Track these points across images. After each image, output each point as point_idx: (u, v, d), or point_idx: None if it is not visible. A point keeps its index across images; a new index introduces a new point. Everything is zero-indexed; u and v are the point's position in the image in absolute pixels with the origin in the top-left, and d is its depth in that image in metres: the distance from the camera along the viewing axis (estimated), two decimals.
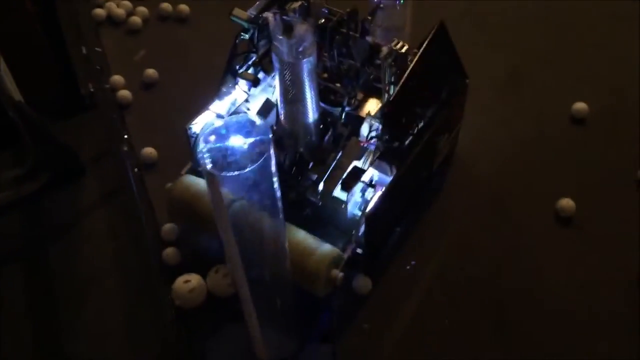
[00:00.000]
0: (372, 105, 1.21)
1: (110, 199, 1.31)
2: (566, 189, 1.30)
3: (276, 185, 0.82)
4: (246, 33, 1.18)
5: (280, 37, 1.00)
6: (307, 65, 1.03)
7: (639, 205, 1.29)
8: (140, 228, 1.22)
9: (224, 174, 0.74)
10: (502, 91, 1.51)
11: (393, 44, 1.11)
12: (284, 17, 1.01)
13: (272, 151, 0.77)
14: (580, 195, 1.28)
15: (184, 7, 1.69)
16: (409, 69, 1.09)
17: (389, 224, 1.22)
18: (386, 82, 1.12)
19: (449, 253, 1.23)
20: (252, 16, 1.16)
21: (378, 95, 1.20)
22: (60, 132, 1.30)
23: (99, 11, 1.67)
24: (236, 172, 0.74)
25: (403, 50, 1.10)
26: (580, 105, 1.44)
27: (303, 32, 1.00)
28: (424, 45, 1.11)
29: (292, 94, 1.08)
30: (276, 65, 1.05)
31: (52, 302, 1.20)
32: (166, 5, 1.69)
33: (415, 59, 1.10)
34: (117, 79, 1.50)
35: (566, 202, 1.27)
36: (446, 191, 1.32)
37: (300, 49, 1.00)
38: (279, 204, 0.85)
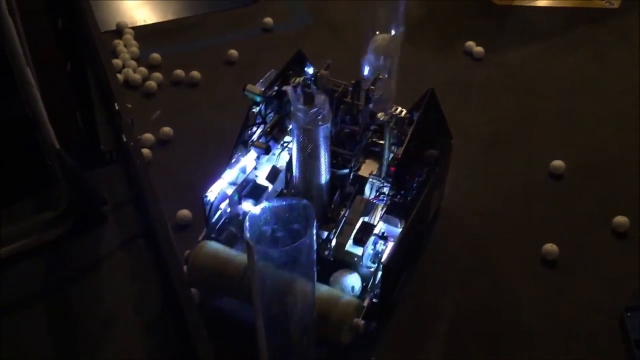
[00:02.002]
0: (370, 166, 1.31)
1: (132, 244, 1.40)
2: (548, 237, 1.43)
3: (314, 257, 0.91)
4: (257, 106, 1.29)
5: (301, 106, 1.11)
6: (323, 131, 1.14)
7: (615, 249, 1.43)
8: (161, 271, 1.31)
9: (265, 248, 0.84)
10: (485, 151, 1.66)
11: (392, 110, 1.26)
12: (305, 88, 1.14)
13: (313, 232, 0.86)
14: (562, 242, 1.41)
15: (195, 73, 1.83)
16: (411, 131, 1.24)
17: (398, 273, 1.31)
18: (388, 143, 1.26)
19: (445, 294, 1.34)
20: (263, 91, 1.29)
21: (374, 157, 1.32)
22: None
23: (117, 76, 1.80)
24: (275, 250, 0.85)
25: (402, 115, 1.27)
26: (557, 163, 1.60)
27: (322, 101, 1.12)
28: (421, 109, 1.26)
29: (308, 157, 1.18)
30: (295, 131, 1.15)
31: (72, 344, 1.26)
32: (179, 72, 1.83)
33: (415, 123, 1.24)
34: (147, 136, 1.63)
35: (550, 247, 1.40)
36: (434, 242, 1.44)
37: (319, 117, 1.12)
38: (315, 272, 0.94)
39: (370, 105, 1.29)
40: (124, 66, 1.84)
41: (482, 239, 1.46)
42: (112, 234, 1.43)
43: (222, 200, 1.29)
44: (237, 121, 1.70)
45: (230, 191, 1.29)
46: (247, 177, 1.31)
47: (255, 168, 1.33)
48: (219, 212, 1.30)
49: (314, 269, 0.96)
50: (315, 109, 1.11)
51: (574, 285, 1.36)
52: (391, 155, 1.27)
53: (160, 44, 1.95)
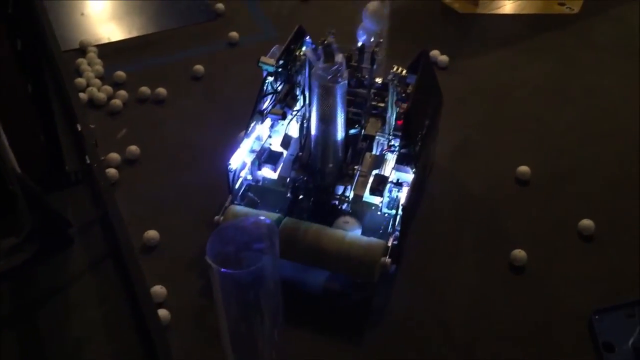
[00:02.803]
0: (374, 126, 1.44)
1: (99, 266, 1.38)
2: (516, 243, 1.44)
3: (278, 276, 0.95)
4: (271, 76, 1.41)
5: (322, 65, 1.24)
6: (341, 88, 1.27)
7: (581, 253, 1.45)
8: (129, 293, 1.29)
9: (223, 270, 0.86)
10: (452, 158, 1.67)
11: (394, 69, 1.38)
12: (326, 47, 1.25)
13: (270, 257, 0.90)
14: (530, 247, 1.43)
15: (161, 90, 1.82)
16: (416, 85, 1.37)
17: (411, 218, 1.44)
18: (392, 100, 1.38)
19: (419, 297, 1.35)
20: (275, 62, 1.39)
21: (376, 117, 1.45)
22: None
23: (81, 95, 1.78)
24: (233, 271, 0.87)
25: (404, 73, 1.38)
26: (523, 168, 1.61)
27: (341, 59, 1.25)
28: (421, 67, 1.39)
29: (327, 116, 1.30)
30: (315, 90, 1.27)
31: None
32: (145, 89, 1.82)
33: (417, 78, 1.38)
34: (113, 155, 1.61)
35: (518, 252, 1.41)
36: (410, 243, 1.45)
37: (339, 74, 1.24)
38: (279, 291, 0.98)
39: (374, 67, 1.40)
40: (88, 85, 1.82)
41: (449, 245, 1.46)
42: (79, 257, 1.41)
43: (243, 168, 1.41)
44: (206, 136, 1.71)
45: (249, 160, 1.40)
46: (263, 145, 1.42)
47: (269, 136, 1.45)
48: (239, 180, 1.41)
49: (279, 288, 0.96)
50: (335, 66, 1.23)
51: (542, 290, 1.38)
52: (395, 111, 1.38)
53: (125, 61, 1.93)
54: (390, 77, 1.37)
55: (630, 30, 2.05)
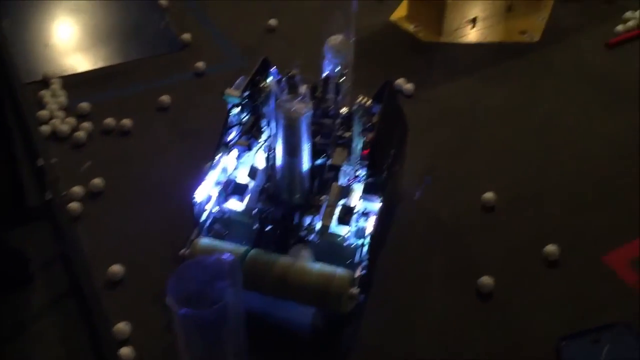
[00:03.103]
0: (340, 155, 1.43)
1: (61, 303, 1.35)
2: (484, 269, 1.45)
3: (240, 320, 0.93)
4: (236, 108, 1.41)
5: (286, 97, 1.25)
6: (306, 120, 1.27)
7: (547, 279, 1.46)
8: (91, 331, 1.26)
9: (183, 311, 0.84)
10: (419, 185, 1.68)
11: (359, 99, 1.38)
12: (289, 79, 1.26)
13: (233, 294, 0.88)
14: (497, 273, 1.44)
15: (126, 121, 1.81)
16: (380, 115, 1.39)
17: (378, 246, 1.44)
18: (358, 130, 1.38)
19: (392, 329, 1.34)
20: (240, 94, 1.40)
21: (342, 147, 1.44)
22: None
23: (44, 128, 1.76)
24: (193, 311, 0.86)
25: (368, 103, 1.39)
26: (489, 195, 1.63)
27: (305, 91, 1.26)
28: (385, 97, 1.41)
29: (292, 147, 1.30)
30: (280, 122, 1.27)
31: None
32: (110, 120, 1.80)
33: (382, 107, 1.39)
34: (77, 189, 1.59)
35: (486, 279, 1.42)
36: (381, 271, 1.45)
37: (303, 106, 1.25)
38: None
39: (339, 98, 1.42)
40: (51, 117, 1.80)
41: (418, 273, 1.47)
42: (39, 294, 1.38)
43: (209, 200, 1.39)
44: (171, 168, 1.70)
45: (215, 192, 1.40)
46: (229, 177, 1.42)
47: (235, 167, 1.45)
48: (206, 212, 1.38)
49: (243, 324, 0.94)
50: (299, 97, 1.24)
51: (510, 315, 1.38)
52: (361, 141, 1.39)
53: (89, 92, 1.92)
54: (355, 107, 1.38)
55: (587, 57, 2.11)
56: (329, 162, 1.43)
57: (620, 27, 2.20)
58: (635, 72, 2.05)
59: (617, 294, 1.44)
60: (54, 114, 1.80)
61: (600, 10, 2.29)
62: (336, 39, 1.43)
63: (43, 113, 1.79)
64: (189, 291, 0.84)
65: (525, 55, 2.12)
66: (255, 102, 1.44)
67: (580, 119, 1.89)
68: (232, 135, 1.43)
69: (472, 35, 2.21)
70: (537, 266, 1.49)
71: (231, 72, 2.00)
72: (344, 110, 1.47)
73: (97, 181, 1.62)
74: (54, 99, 1.86)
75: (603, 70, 2.06)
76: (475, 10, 2.29)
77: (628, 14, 2.24)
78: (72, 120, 1.79)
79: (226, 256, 0.89)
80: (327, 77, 1.43)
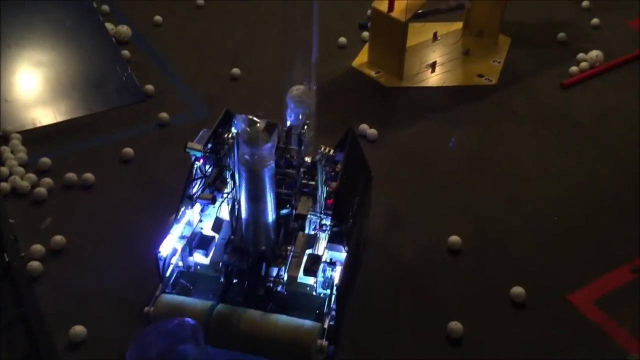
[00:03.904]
0: (305, 204, 1.44)
1: None
2: (452, 314, 1.46)
3: None
4: (199, 161, 1.40)
5: (248, 149, 1.23)
6: (269, 172, 1.27)
7: (514, 321, 1.47)
8: None
9: None
10: (385, 230, 1.69)
11: (322, 149, 1.39)
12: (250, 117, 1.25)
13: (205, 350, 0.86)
14: (465, 318, 1.44)
15: (88, 175, 1.78)
16: (343, 165, 1.40)
17: (346, 296, 1.44)
18: (321, 180, 1.39)
19: None
20: (203, 147, 1.39)
21: (307, 195, 1.46)
22: None
23: (3, 185, 1.72)
24: None
25: (331, 153, 1.40)
26: (454, 238, 1.65)
27: (272, 139, 1.25)
28: (347, 146, 1.42)
29: (256, 199, 1.30)
30: (243, 174, 1.28)
31: None
32: (71, 175, 1.78)
33: (345, 157, 1.40)
34: (37, 247, 1.55)
35: (454, 325, 1.42)
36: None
37: (265, 157, 1.25)
38: None
39: (302, 148, 1.42)
40: (10, 174, 1.76)
41: (387, 320, 1.46)
42: None
43: (174, 255, 1.38)
44: (135, 222, 1.67)
45: (179, 245, 1.38)
46: (194, 230, 1.39)
47: (200, 220, 1.43)
48: (170, 267, 1.38)
49: None
50: (261, 150, 1.23)
51: None
52: (325, 190, 1.39)
53: (50, 147, 1.89)
54: (318, 157, 1.40)
55: (543, 98, 2.17)
56: (294, 211, 1.43)
57: (574, 68, 2.28)
58: (590, 111, 2.12)
59: (583, 333, 1.45)
60: (14, 171, 1.77)
61: (554, 53, 2.37)
62: (298, 89, 1.45)
63: (2, 170, 1.76)
64: (150, 358, 0.82)
65: (483, 98, 2.17)
66: (218, 154, 1.44)
67: (539, 159, 1.94)
68: (196, 188, 1.42)
69: (432, 79, 2.26)
70: (505, 308, 1.50)
71: (195, 122, 2.02)
72: (307, 159, 1.48)
73: (58, 238, 1.59)
74: (14, 154, 1.82)
75: (559, 110, 2.12)
76: (434, 55, 2.36)
77: (581, 55, 2.32)
78: (32, 176, 1.76)
79: (188, 320, 0.87)
80: (290, 126, 1.44)
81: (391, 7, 2.16)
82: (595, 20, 2.52)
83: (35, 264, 1.51)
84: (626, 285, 1.56)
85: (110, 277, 1.53)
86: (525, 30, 2.48)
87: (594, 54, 2.31)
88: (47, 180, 1.76)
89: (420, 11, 2.27)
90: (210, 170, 1.44)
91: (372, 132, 2.00)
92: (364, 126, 2.01)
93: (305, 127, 1.43)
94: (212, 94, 2.16)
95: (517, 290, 1.51)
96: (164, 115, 2.02)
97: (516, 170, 1.90)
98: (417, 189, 1.84)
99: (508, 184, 1.86)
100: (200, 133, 1.46)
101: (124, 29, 2.34)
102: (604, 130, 2.04)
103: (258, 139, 1.25)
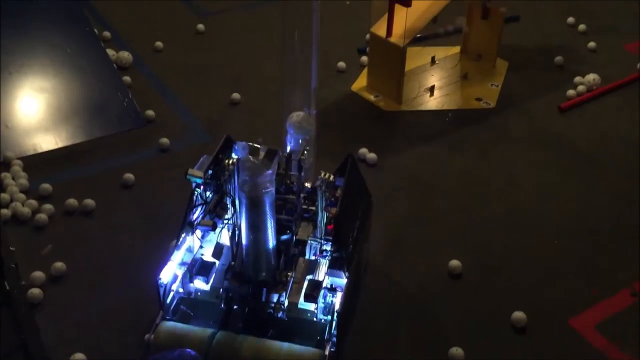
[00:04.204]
0: (305, 230, 1.44)
1: None
2: (453, 339, 1.45)
3: None
4: (199, 188, 1.40)
5: (249, 177, 1.24)
6: (269, 198, 1.27)
7: (516, 346, 1.46)
8: None
9: None
10: (385, 254, 1.69)
11: (322, 174, 1.40)
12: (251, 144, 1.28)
13: None
14: (466, 343, 1.44)
15: (89, 201, 1.79)
16: (343, 191, 1.39)
17: (347, 322, 1.43)
18: (322, 205, 1.39)
19: None
20: (203, 174, 1.39)
21: (307, 221, 1.46)
22: None
23: (4, 211, 1.73)
24: None
25: (331, 179, 1.41)
26: (455, 263, 1.65)
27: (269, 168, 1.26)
28: (347, 173, 1.42)
29: (256, 226, 1.30)
30: (243, 201, 1.28)
31: None
32: (72, 201, 1.78)
33: (345, 182, 1.40)
34: (37, 274, 1.55)
35: (455, 351, 1.42)
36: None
37: (266, 184, 1.25)
38: None
39: (302, 174, 1.43)
40: (11, 200, 1.77)
41: (388, 345, 1.45)
42: None
43: (174, 281, 1.38)
44: (135, 248, 1.67)
45: (180, 272, 1.38)
46: (194, 256, 1.41)
47: (201, 247, 1.43)
48: (171, 294, 1.36)
49: None
50: (261, 177, 1.24)
51: None
52: (325, 216, 1.39)
53: (51, 173, 1.90)
54: (318, 182, 1.40)
55: (541, 122, 2.19)
56: (295, 237, 1.44)
57: (571, 92, 2.29)
58: (588, 135, 2.13)
59: (585, 358, 1.45)
60: (15, 197, 1.78)
61: (551, 76, 2.40)
62: (298, 115, 1.46)
63: (3, 196, 1.77)
64: None
65: (482, 122, 2.18)
66: (219, 180, 1.45)
67: (538, 182, 1.95)
68: (197, 214, 1.43)
69: (431, 103, 2.27)
70: (506, 333, 1.50)
71: (195, 147, 2.03)
72: (307, 184, 1.49)
73: (59, 265, 1.59)
74: (15, 181, 1.83)
75: (557, 133, 2.14)
76: (433, 79, 2.38)
77: (577, 79, 2.34)
78: (33, 202, 1.77)
79: (189, 351, 0.87)
80: (290, 152, 1.45)
81: (389, 32, 2.18)
82: (591, 44, 2.55)
83: (35, 291, 1.50)
84: (627, 310, 1.56)
85: (110, 303, 1.52)
86: (523, 54, 2.51)
87: (591, 77, 2.33)
88: (48, 206, 1.76)
89: (418, 35, 2.29)
90: (210, 196, 1.44)
91: (372, 156, 2.01)
92: (363, 150, 2.02)
93: (305, 152, 1.44)
94: (213, 119, 2.18)
95: (519, 315, 1.50)
96: (164, 140, 2.04)
97: (515, 194, 1.91)
98: (417, 212, 1.84)
99: (508, 207, 1.86)
100: (201, 159, 1.47)
101: (125, 55, 2.36)
102: (602, 153, 2.05)
103: (259, 167, 1.26)
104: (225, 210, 1.45)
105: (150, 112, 2.15)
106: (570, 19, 2.71)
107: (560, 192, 1.91)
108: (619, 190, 1.91)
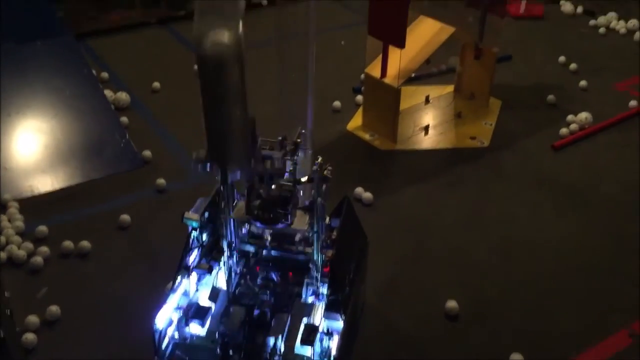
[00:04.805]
0: (301, 219, 1.39)
1: None
2: None
3: None
4: (196, 231, 1.39)
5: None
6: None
7: None
8: None
9: None
10: (380, 295, 1.69)
11: (319, 161, 1.33)
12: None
13: None
14: None
15: (85, 243, 1.79)
16: (339, 233, 1.39)
17: None
18: (319, 247, 1.36)
19: None
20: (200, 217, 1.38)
21: (303, 211, 1.40)
22: None
23: (0, 255, 1.73)
24: None
25: (327, 221, 1.39)
26: (451, 304, 1.64)
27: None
28: (343, 213, 1.42)
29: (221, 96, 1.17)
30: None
31: None
32: (68, 243, 1.78)
33: (340, 225, 1.40)
34: (32, 319, 1.54)
35: None
36: None
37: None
38: None
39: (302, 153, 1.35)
40: (7, 243, 1.77)
41: None
42: None
43: (169, 325, 1.35)
44: (131, 291, 1.67)
45: (176, 316, 1.36)
46: (190, 300, 1.37)
47: (196, 290, 1.41)
48: (166, 339, 1.35)
49: None
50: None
51: None
52: (321, 258, 1.37)
53: (48, 214, 1.90)
54: (316, 168, 1.37)
55: (535, 160, 2.21)
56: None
57: (564, 130, 2.32)
58: (582, 173, 2.15)
59: None
60: (10, 240, 1.78)
61: (544, 115, 2.43)
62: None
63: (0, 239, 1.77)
64: None
65: (476, 160, 2.20)
66: (215, 223, 1.45)
67: (533, 222, 1.95)
68: (193, 256, 1.43)
69: (425, 142, 2.30)
70: None
71: (192, 187, 2.04)
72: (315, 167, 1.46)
73: (54, 309, 1.58)
74: (11, 223, 1.83)
75: (551, 172, 2.15)
76: (427, 118, 2.41)
77: (570, 117, 2.37)
78: (29, 245, 1.77)
79: None
80: (285, 136, 1.41)
81: (384, 73, 2.22)
82: (583, 83, 2.59)
83: (30, 336, 1.49)
84: (626, 350, 1.55)
85: (105, 348, 1.51)
86: (515, 93, 2.55)
87: (583, 116, 2.36)
88: (44, 249, 1.76)
89: (412, 75, 2.33)
90: (207, 239, 1.45)
91: (367, 195, 2.02)
92: (359, 189, 2.03)
93: (302, 136, 1.42)
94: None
95: (517, 357, 1.50)
96: (161, 181, 2.05)
97: (510, 234, 1.91)
98: (413, 253, 1.84)
99: (503, 247, 1.86)
100: (197, 202, 1.47)
101: (123, 96, 2.39)
102: (596, 193, 2.06)
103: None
104: (222, 253, 1.45)
105: (147, 153, 2.16)
106: (562, 58, 2.76)
107: (556, 230, 1.92)
108: (613, 230, 1.91)
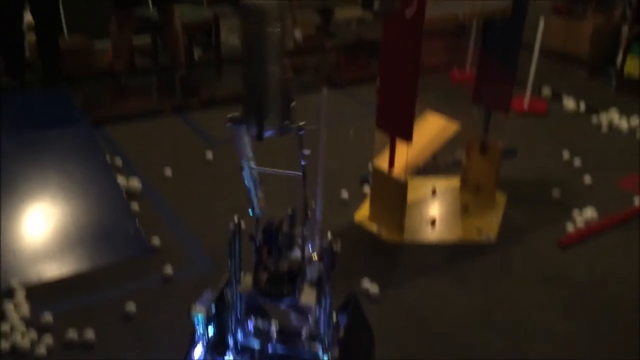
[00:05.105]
0: (309, 294, 1.37)
1: None
2: None
3: None
4: (201, 325, 1.37)
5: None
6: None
7: None
8: None
9: None
10: None
11: (329, 236, 1.35)
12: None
13: None
14: None
15: (89, 335, 1.77)
16: (345, 331, 1.37)
17: None
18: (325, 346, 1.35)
19: None
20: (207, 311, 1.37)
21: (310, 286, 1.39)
22: None
23: (4, 344, 1.71)
24: None
25: (333, 319, 1.37)
26: None
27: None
28: (349, 312, 1.41)
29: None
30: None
31: None
32: (72, 334, 1.76)
33: (347, 324, 1.39)
34: None
35: None
36: None
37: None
38: None
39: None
40: (11, 330, 1.75)
41: None
42: None
43: None
44: None
45: None
46: None
47: None
48: None
49: None
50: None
51: None
52: (327, 356, 1.35)
53: (53, 301, 1.90)
54: (328, 239, 1.39)
55: (542, 257, 2.21)
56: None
57: (570, 226, 2.34)
58: (588, 272, 2.14)
59: None
60: (15, 328, 1.77)
61: (549, 210, 2.45)
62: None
63: (4, 327, 1.75)
64: None
65: (483, 255, 2.21)
66: (221, 314, 1.44)
67: (540, 320, 1.93)
68: (198, 350, 1.41)
69: (432, 235, 2.31)
70: None
71: (199, 277, 2.04)
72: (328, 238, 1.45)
73: None
74: (17, 311, 1.83)
75: (558, 270, 2.15)
76: (434, 211, 2.43)
77: (575, 212, 2.39)
78: (33, 335, 1.75)
79: None
80: (294, 209, 1.43)
81: (391, 165, 2.27)
82: (587, 179, 2.63)
83: None
84: None
85: None
86: (521, 188, 2.59)
87: (589, 212, 2.38)
88: (48, 339, 1.74)
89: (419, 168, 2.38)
90: (213, 331, 1.43)
91: (374, 289, 2.01)
92: (365, 282, 2.02)
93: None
94: (217, 249, 2.19)
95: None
96: (168, 270, 2.05)
97: (518, 331, 1.89)
98: (418, 350, 1.82)
99: (510, 344, 1.83)
100: (204, 294, 1.46)
101: (135, 183, 2.44)
102: (602, 292, 2.05)
103: None
104: (226, 347, 1.43)
105: (155, 240, 2.18)
106: (566, 154, 2.82)
107: (563, 329, 1.90)
108: (622, 330, 1.89)
